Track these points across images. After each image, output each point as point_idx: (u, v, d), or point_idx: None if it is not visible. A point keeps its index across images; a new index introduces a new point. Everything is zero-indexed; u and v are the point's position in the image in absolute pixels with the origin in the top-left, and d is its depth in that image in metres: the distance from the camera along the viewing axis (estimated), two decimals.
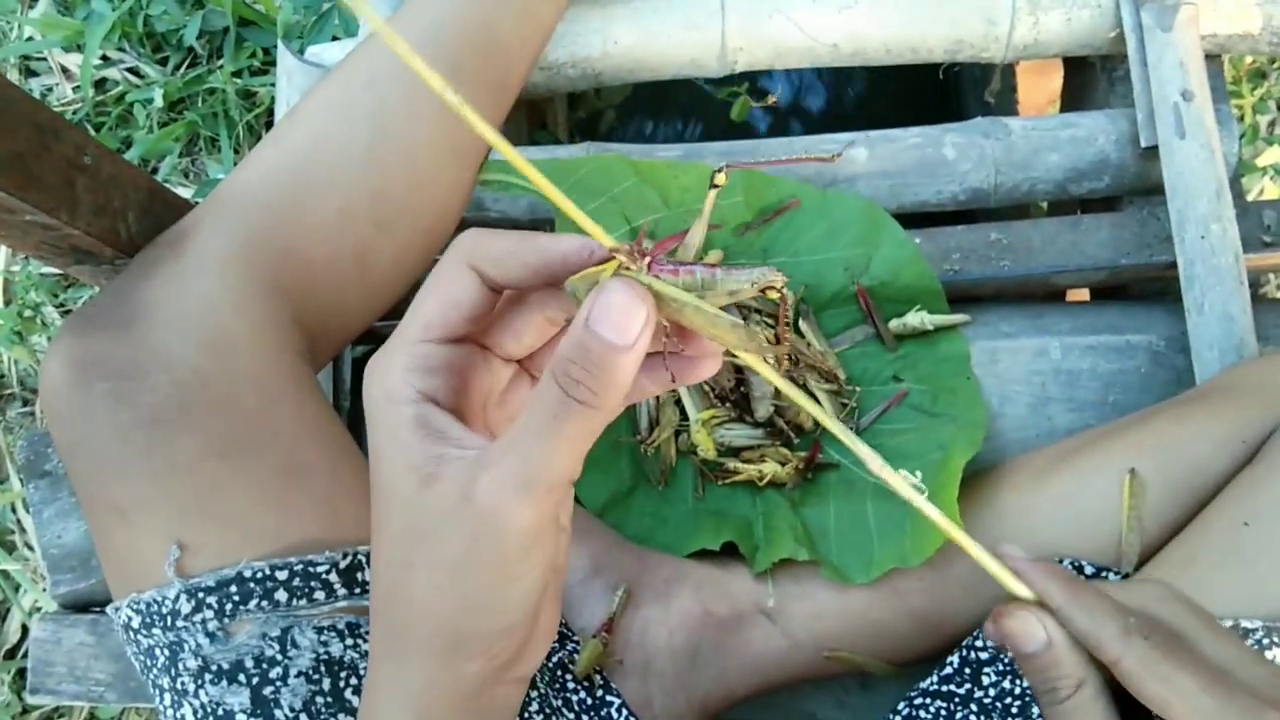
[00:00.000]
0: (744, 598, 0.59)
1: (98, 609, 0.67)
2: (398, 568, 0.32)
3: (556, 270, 0.31)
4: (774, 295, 0.31)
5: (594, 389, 0.29)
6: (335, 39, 1.05)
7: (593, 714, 0.55)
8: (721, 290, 0.30)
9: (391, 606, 0.33)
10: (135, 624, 0.45)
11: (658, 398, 0.64)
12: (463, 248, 0.32)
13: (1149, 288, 0.73)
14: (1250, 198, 0.97)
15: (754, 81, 1.19)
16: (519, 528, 0.30)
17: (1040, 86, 0.99)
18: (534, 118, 0.92)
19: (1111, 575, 0.54)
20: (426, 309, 0.32)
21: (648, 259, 0.30)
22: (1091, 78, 0.75)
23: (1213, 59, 0.70)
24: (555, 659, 0.57)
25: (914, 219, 0.68)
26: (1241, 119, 1.16)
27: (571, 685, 0.56)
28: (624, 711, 0.55)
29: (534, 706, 0.52)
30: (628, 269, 0.30)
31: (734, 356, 0.32)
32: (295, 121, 0.54)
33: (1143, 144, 0.66)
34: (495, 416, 0.36)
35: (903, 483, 0.33)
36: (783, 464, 0.62)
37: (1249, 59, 1.18)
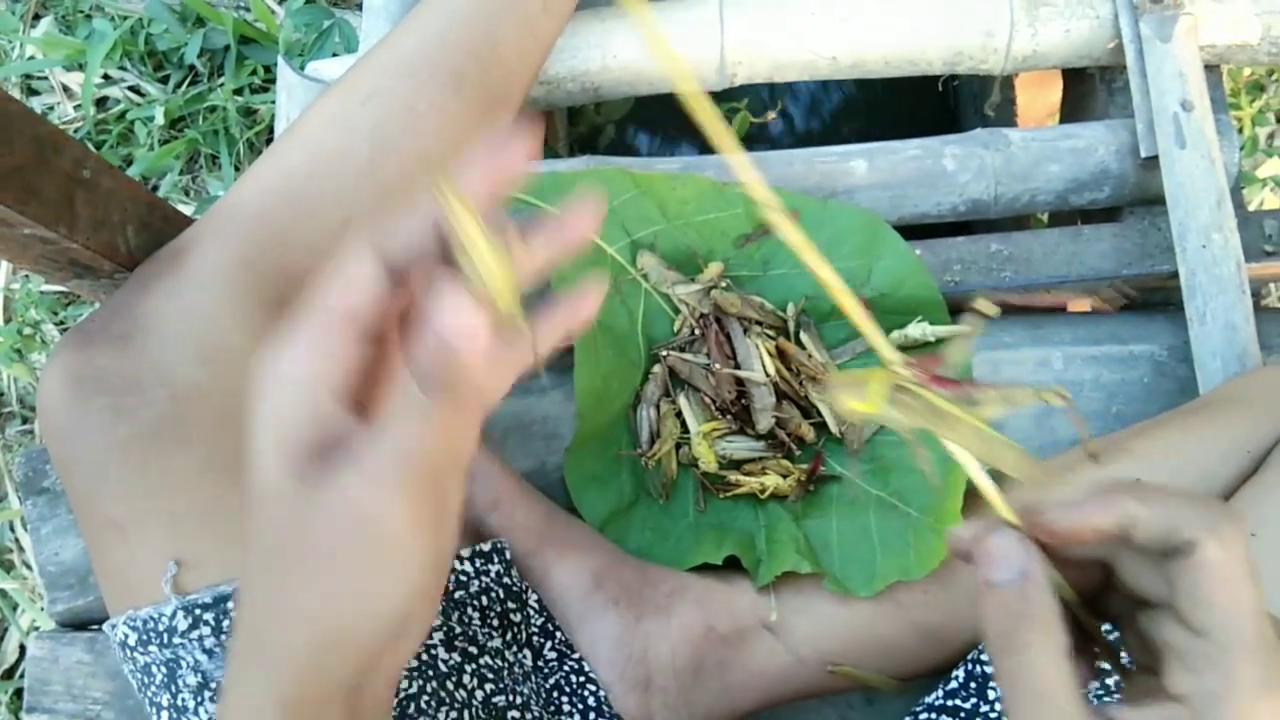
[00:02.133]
0: (746, 612, 0.58)
1: (95, 627, 0.67)
2: (266, 565, 0.31)
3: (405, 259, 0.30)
4: (1057, 402, 0.30)
5: (449, 389, 0.28)
6: (335, 55, 1.05)
7: None
8: (993, 400, 0.29)
9: (263, 608, 0.31)
10: (132, 641, 0.45)
11: (658, 409, 0.64)
12: (363, 230, 0.31)
13: (1151, 298, 0.73)
14: (1250, 209, 0.97)
15: (754, 97, 1.19)
16: (395, 524, 0.29)
17: (1039, 99, 0.99)
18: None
19: None
20: (328, 292, 0.31)
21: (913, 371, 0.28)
22: (1091, 89, 0.75)
23: (1212, 69, 0.70)
24: (552, 681, 0.56)
25: (914, 230, 0.68)
26: (1241, 131, 1.16)
27: (567, 708, 0.55)
28: None
29: None
30: (899, 376, 0.28)
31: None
32: (295, 137, 0.54)
33: (1143, 154, 0.66)
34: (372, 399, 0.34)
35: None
36: (784, 476, 0.62)
37: (1247, 71, 1.18)
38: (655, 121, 1.22)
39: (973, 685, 0.54)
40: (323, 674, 0.31)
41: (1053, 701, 0.30)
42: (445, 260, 0.30)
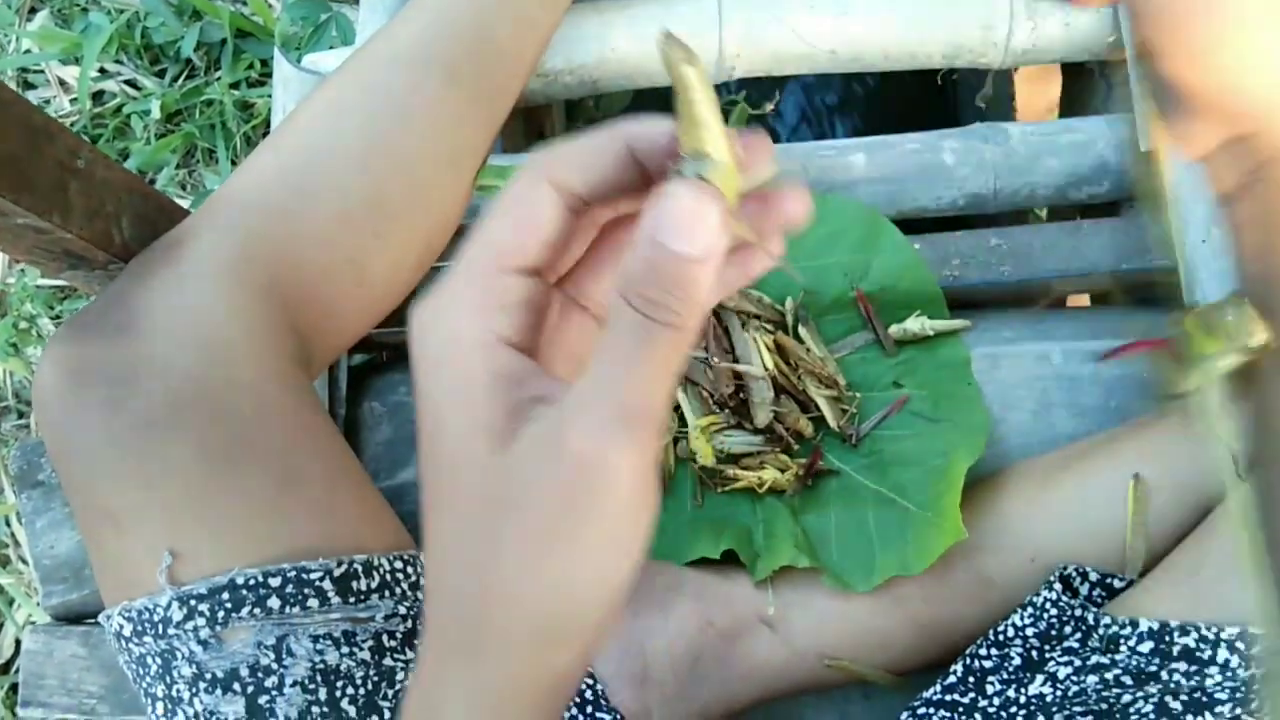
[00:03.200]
0: (744, 606, 0.58)
1: (90, 621, 0.66)
2: (475, 547, 0.27)
3: (645, 156, 0.27)
4: None
5: (676, 309, 0.25)
6: (332, 49, 1.05)
7: None
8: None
9: (475, 599, 0.28)
10: (127, 632, 0.44)
11: None
12: (537, 163, 0.28)
13: (1151, 293, 0.73)
14: None
15: (752, 90, 1.19)
16: (628, 476, 0.25)
17: (1038, 95, 0.99)
18: (532, 127, 0.91)
19: (1116, 581, 0.54)
20: (499, 234, 0.28)
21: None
22: (1090, 83, 0.75)
23: None
24: None
25: (913, 225, 0.67)
26: None
27: None
28: None
29: None
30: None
31: None
32: (292, 128, 0.54)
33: (1143, 148, 0.66)
34: (549, 356, 0.31)
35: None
36: (783, 471, 0.62)
37: None
38: (651, 110, 1.21)
39: (971, 680, 0.54)
40: (543, 668, 0.28)
41: None
42: (639, 188, 0.27)
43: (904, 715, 0.55)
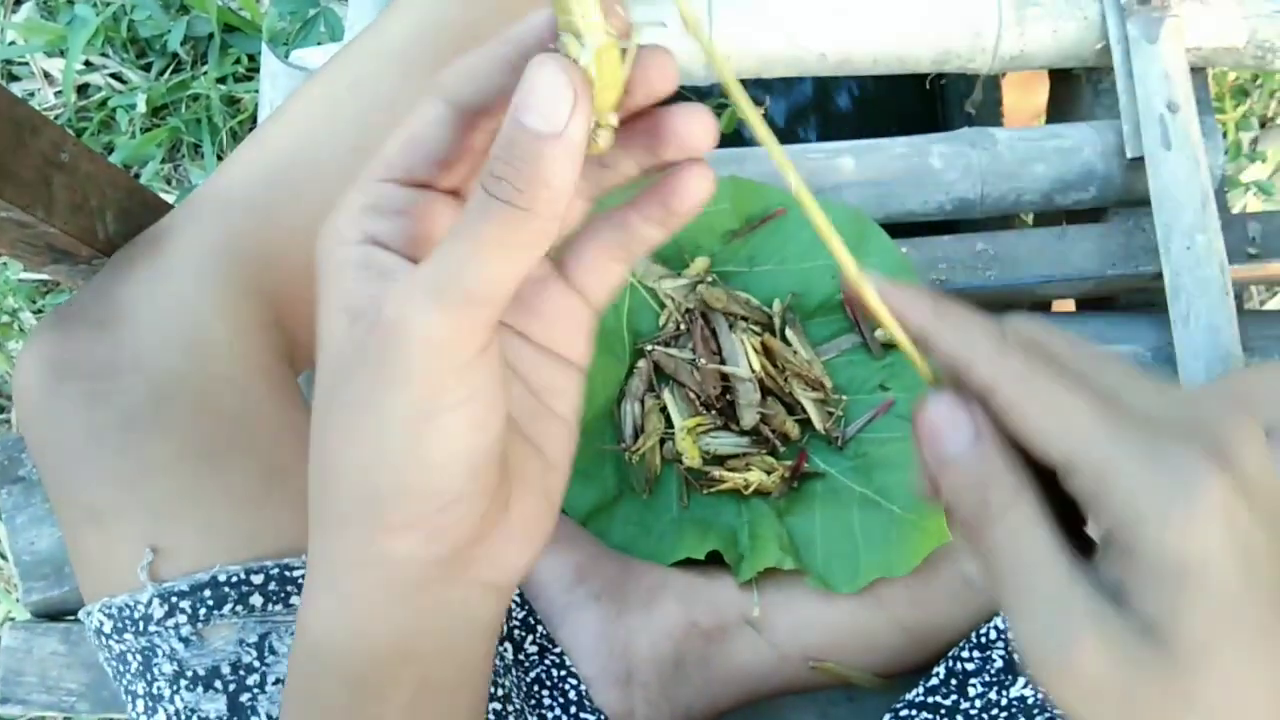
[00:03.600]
0: (728, 607, 0.58)
1: (71, 618, 0.66)
2: (319, 417, 0.28)
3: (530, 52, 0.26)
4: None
5: (518, 185, 0.24)
6: (320, 45, 1.04)
7: None
8: None
9: (316, 468, 0.28)
10: (107, 629, 0.44)
11: (642, 404, 0.63)
12: (435, 77, 0.28)
13: (1135, 299, 0.73)
14: (1234, 212, 0.97)
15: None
16: (429, 340, 0.25)
17: (1026, 102, 0.99)
18: None
19: None
20: (388, 148, 0.28)
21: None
22: (1077, 90, 0.76)
23: (1197, 72, 0.70)
24: (533, 675, 0.56)
25: (900, 229, 0.68)
26: (1225, 135, 1.17)
27: (548, 702, 0.55)
28: None
29: None
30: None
31: None
32: (279, 122, 0.53)
33: (1129, 155, 0.67)
34: None
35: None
36: (768, 473, 0.62)
37: (1231, 76, 1.19)
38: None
39: (953, 682, 0.54)
40: (377, 549, 0.27)
41: (1047, 571, 0.25)
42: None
43: (886, 717, 0.55)
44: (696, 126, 0.27)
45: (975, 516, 0.26)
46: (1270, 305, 1.13)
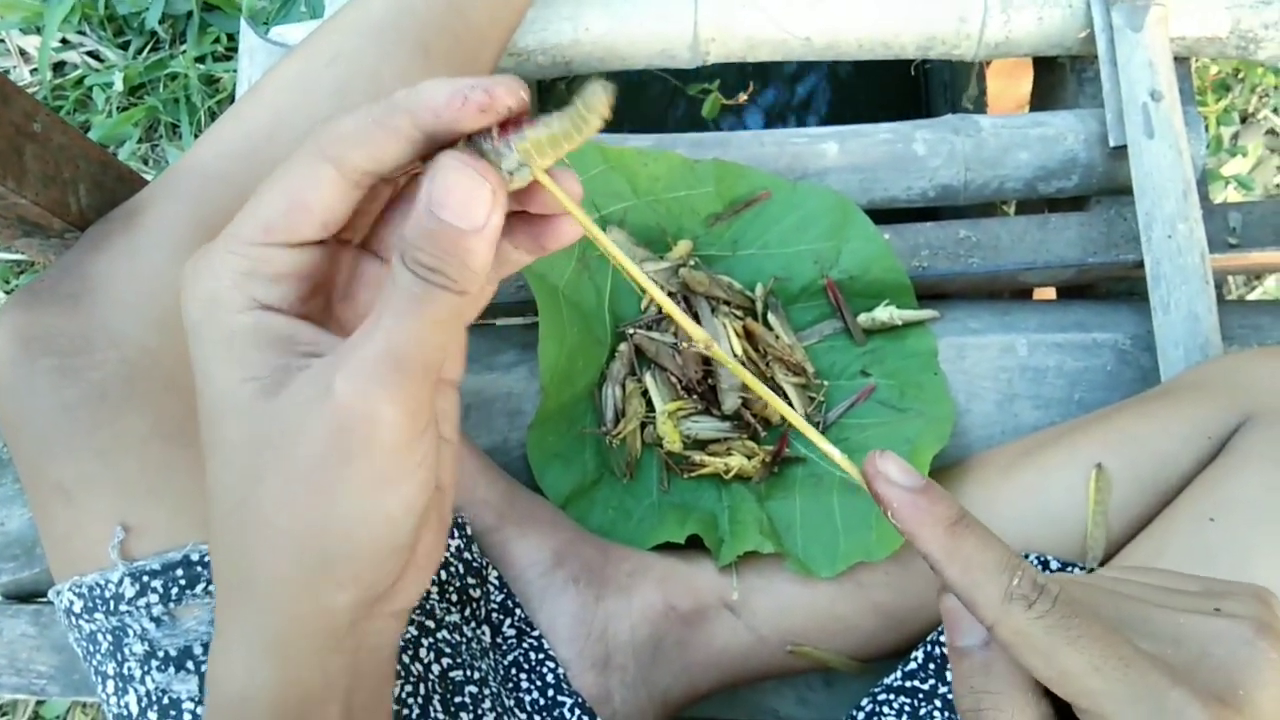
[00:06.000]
0: (708, 591, 0.58)
1: (41, 599, 0.65)
2: (242, 486, 0.28)
3: (431, 130, 0.27)
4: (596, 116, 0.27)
5: (450, 275, 0.26)
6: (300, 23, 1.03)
7: (545, 715, 0.54)
8: (559, 127, 0.28)
9: (238, 536, 0.28)
10: (77, 608, 0.43)
11: (623, 388, 0.63)
12: (318, 140, 0.27)
13: (1116, 287, 0.73)
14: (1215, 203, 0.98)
15: (726, 79, 1.19)
16: (388, 420, 0.26)
17: (1010, 91, 0.99)
18: None
19: (1077, 569, 0.54)
20: (268, 211, 0.28)
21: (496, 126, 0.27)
22: (1061, 78, 0.76)
23: (1181, 61, 0.70)
24: (510, 658, 0.55)
25: (884, 215, 0.68)
26: (1206, 129, 1.17)
27: (525, 685, 0.55)
28: (577, 712, 0.54)
29: (486, 704, 0.51)
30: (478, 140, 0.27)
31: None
32: (257, 98, 0.53)
33: (1111, 143, 0.67)
34: (344, 312, 0.31)
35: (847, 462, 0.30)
36: (749, 457, 0.61)
37: (1213, 70, 1.19)
38: (628, 102, 1.21)
39: (931, 666, 0.54)
40: (318, 604, 0.28)
41: None
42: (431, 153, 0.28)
43: (865, 701, 0.55)
44: (574, 233, 0.30)
45: (973, 714, 0.28)
46: (1250, 297, 1.14)
